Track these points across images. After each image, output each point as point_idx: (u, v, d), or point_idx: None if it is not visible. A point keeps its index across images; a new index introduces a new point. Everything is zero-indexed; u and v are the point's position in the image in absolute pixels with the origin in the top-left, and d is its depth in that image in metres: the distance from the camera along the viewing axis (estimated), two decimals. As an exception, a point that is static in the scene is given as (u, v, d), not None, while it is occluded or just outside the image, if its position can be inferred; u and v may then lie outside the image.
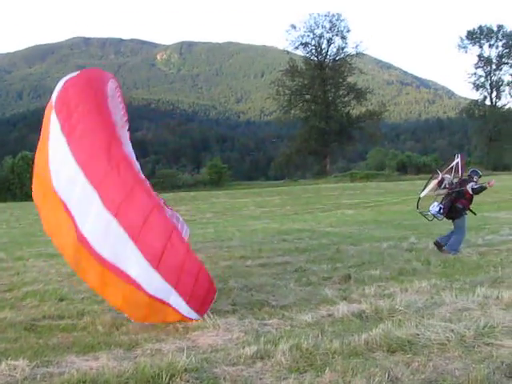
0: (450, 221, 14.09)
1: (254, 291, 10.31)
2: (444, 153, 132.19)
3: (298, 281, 11.18)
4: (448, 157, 16.68)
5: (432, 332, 6.97)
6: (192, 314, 8.08)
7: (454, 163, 14.23)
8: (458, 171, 14.13)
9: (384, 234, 18.42)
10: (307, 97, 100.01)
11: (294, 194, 48.55)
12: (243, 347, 6.79)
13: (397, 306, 8.29)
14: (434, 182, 14.30)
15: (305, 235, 19.61)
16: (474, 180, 13.93)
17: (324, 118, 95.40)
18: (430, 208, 14.02)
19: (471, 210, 14.24)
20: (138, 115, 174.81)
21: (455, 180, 14.05)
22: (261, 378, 5.91)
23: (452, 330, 6.98)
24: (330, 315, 8.27)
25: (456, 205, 13.72)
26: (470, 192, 13.74)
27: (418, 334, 6.94)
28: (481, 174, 14.33)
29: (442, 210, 13.73)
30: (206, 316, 8.23)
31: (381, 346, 6.63)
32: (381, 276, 11.14)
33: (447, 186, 13.94)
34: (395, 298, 8.80)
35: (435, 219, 14.19)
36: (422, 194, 14.60)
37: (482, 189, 13.94)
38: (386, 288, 9.90)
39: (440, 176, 14.18)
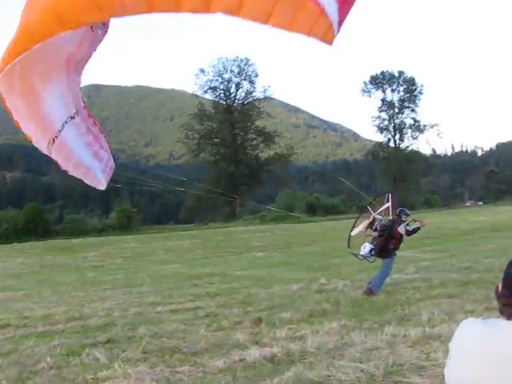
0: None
1: (165, 338, 10.15)
2: (351, 194, 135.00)
3: (209, 326, 11.10)
4: (376, 196, 16.94)
5: (343, 373, 7.05)
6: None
7: (387, 205, 14.45)
8: (389, 212, 14.33)
9: (294, 276, 18.53)
10: (216, 140, 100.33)
11: (205, 238, 48.37)
12: (154, 398, 6.68)
13: (308, 348, 8.33)
14: (365, 222, 14.42)
15: (216, 279, 19.56)
16: (403, 220, 14.19)
17: (233, 162, 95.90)
18: (361, 249, 14.10)
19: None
20: (45, 159, 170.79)
21: (386, 221, 14.22)
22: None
23: (362, 370, 7.07)
24: (241, 360, 8.21)
25: (387, 245, 13.90)
26: (404, 234, 14.00)
27: (329, 376, 7.00)
28: (409, 213, 14.58)
29: (373, 252, 13.87)
30: (116, 365, 8.05)
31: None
32: (292, 318, 11.17)
33: (378, 228, 14.06)
34: (306, 341, 8.84)
35: (365, 260, 14.34)
36: (353, 233, 14.65)
37: (415, 231, 14.29)
38: (297, 330, 9.92)
39: (372, 217, 14.32)
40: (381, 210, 14.47)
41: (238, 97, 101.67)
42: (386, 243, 13.88)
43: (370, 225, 14.24)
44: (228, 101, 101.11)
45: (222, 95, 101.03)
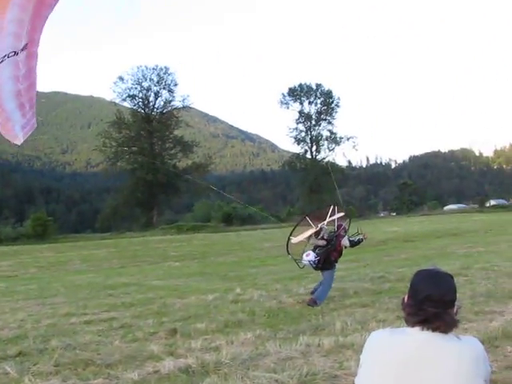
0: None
1: (78, 350, 9.93)
2: (268, 204, 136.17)
3: (123, 337, 10.94)
4: (320, 207, 16.95)
5: (257, 383, 7.08)
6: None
7: (335, 216, 14.42)
8: (335, 223, 14.35)
9: (210, 286, 18.51)
10: (134, 149, 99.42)
11: (121, 247, 47.79)
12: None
13: (223, 359, 8.32)
14: (310, 231, 14.22)
15: (131, 289, 19.34)
16: (342, 233, 14.27)
17: (151, 171, 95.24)
18: (304, 256, 13.94)
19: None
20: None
21: (329, 232, 14.24)
22: None
23: (276, 380, 7.12)
24: (156, 372, 8.13)
25: (330, 257, 13.90)
26: (348, 246, 14.10)
27: (244, 388, 7.02)
28: (347, 227, 14.67)
29: (316, 260, 13.71)
30: (26, 379, 7.85)
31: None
32: (207, 329, 11.13)
33: (325, 237, 13.97)
34: (221, 351, 8.83)
35: (306, 267, 14.29)
36: (296, 240, 14.44)
37: (359, 242, 14.43)
38: (212, 341, 9.90)
39: (319, 226, 14.17)
40: (328, 220, 14.39)
41: (156, 105, 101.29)
42: (329, 255, 13.89)
43: (316, 234, 14.11)
44: (147, 109, 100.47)
45: (140, 103, 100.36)
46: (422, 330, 2.54)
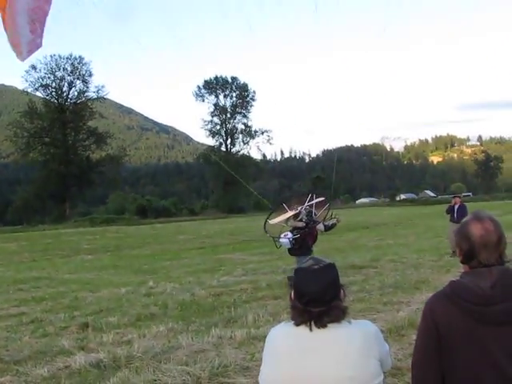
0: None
1: (-15, 347, 9.72)
2: (183, 196, 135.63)
3: (34, 332, 10.76)
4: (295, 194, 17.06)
5: (169, 376, 7.10)
6: None
7: (314, 201, 14.76)
8: (313, 208, 14.58)
9: (123, 280, 18.35)
10: (46, 140, 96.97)
11: (32, 240, 46.61)
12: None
13: (134, 353, 8.29)
14: (289, 213, 14.46)
15: (42, 283, 18.97)
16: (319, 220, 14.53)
17: (64, 162, 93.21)
18: (282, 236, 14.15)
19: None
20: None
21: (305, 216, 14.38)
22: None
23: (188, 373, 7.15)
24: (66, 367, 8.02)
25: (306, 241, 14.11)
26: (323, 230, 14.26)
27: (156, 380, 7.03)
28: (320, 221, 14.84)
29: (293, 241, 13.96)
30: None
31: (118, 396, 6.62)
32: (119, 323, 11.06)
33: (304, 219, 14.18)
34: (133, 345, 8.80)
35: (283, 247, 14.54)
36: (275, 221, 14.74)
37: (332, 226, 14.74)
38: (124, 335, 9.85)
39: (298, 209, 14.43)
40: (307, 204, 14.67)
41: (70, 96, 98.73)
42: (306, 238, 14.13)
43: (296, 216, 14.36)
44: (60, 99, 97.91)
45: (53, 93, 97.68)
46: (311, 329, 2.63)
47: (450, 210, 19.44)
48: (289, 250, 14.46)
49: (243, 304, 12.31)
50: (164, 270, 20.38)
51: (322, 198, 15.34)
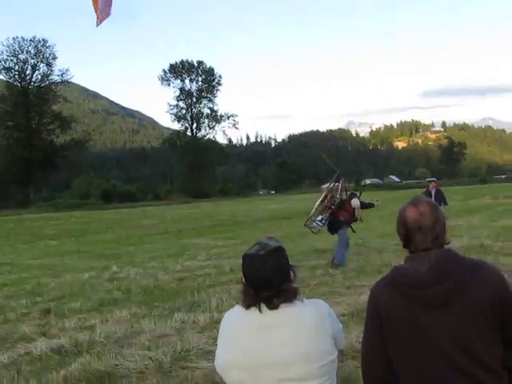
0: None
1: None
2: (148, 181, 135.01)
3: (-7, 319, 10.64)
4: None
5: (131, 361, 7.08)
6: None
7: (340, 183, 15.24)
8: (341, 190, 15.08)
9: (86, 265, 18.22)
10: (10, 124, 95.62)
11: (-5, 225, 46.08)
12: None
13: (96, 338, 8.25)
14: (318, 200, 15.04)
15: (4, 269, 18.76)
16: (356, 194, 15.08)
17: (27, 146, 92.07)
18: (312, 221, 14.82)
19: (351, 228, 15.01)
20: None
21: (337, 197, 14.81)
22: None
23: (150, 358, 7.14)
24: (27, 353, 7.96)
25: (337, 217, 14.42)
26: (357, 205, 14.54)
27: (117, 365, 7.00)
28: (359, 196, 15.21)
29: (323, 220, 14.45)
30: None
31: (80, 381, 6.58)
32: (82, 308, 10.99)
33: (328, 200, 14.76)
34: (95, 330, 8.76)
35: (320, 231, 15.28)
36: (312, 211, 15.16)
37: (370, 205, 15.21)
38: (86, 320, 9.78)
39: (324, 193, 15.05)
40: (333, 185, 15.24)
41: (34, 79, 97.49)
42: (337, 215, 14.44)
43: (323, 200, 14.91)
44: (23, 83, 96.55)
45: (16, 77, 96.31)
46: (260, 311, 2.64)
47: (427, 195, 19.56)
48: (328, 229, 14.94)
49: (207, 288, 12.30)
50: (128, 255, 20.28)
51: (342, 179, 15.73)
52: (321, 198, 15.22)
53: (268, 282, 2.58)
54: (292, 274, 2.71)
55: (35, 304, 11.89)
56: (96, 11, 6.91)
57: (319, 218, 14.89)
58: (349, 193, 15.63)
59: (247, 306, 2.66)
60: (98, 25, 7.02)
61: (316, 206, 15.23)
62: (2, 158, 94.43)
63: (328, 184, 15.76)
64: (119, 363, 7.04)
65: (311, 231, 15.77)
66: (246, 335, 2.64)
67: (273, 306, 2.61)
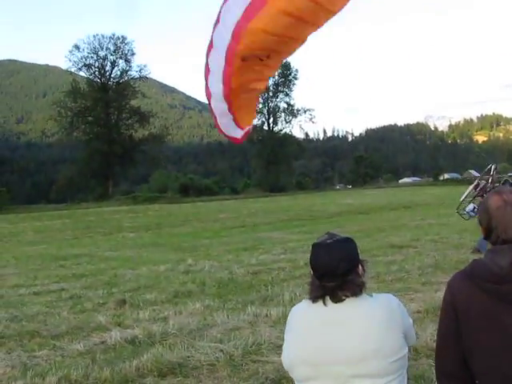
0: None
1: (24, 321, 9.85)
2: (225, 175, 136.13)
3: (72, 308, 10.89)
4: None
5: (202, 353, 7.09)
6: None
7: (492, 172, 15.41)
8: (493, 179, 15.18)
9: (162, 257, 18.46)
10: (90, 119, 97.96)
11: (76, 218, 47.26)
12: (9, 383, 6.49)
13: (169, 330, 8.32)
14: (471, 187, 15.38)
15: (83, 260, 19.21)
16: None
17: (107, 141, 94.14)
18: (466, 208, 14.94)
19: None
20: None
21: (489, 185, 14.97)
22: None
23: (221, 350, 7.13)
24: (102, 342, 8.11)
25: None
26: None
27: (189, 357, 7.02)
28: None
29: (475, 209, 14.29)
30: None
31: (151, 371, 6.63)
32: (156, 300, 11.12)
33: (480, 188, 14.91)
34: (169, 322, 8.83)
35: (471, 219, 14.88)
36: (461, 198, 15.71)
37: None
38: (160, 312, 9.89)
39: (476, 181, 15.41)
40: (485, 176, 15.63)
41: (113, 75, 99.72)
42: None
43: (475, 187, 15.15)
44: (103, 79, 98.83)
45: (96, 73, 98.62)
46: (325, 304, 2.57)
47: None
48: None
49: (281, 282, 12.26)
50: (203, 248, 20.43)
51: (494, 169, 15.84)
52: (471, 187, 15.42)
53: (332, 270, 2.52)
54: (360, 267, 2.63)
55: (111, 295, 12.11)
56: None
57: (471, 206, 14.79)
58: (503, 180, 15.54)
59: (314, 299, 2.60)
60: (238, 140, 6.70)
61: (467, 193, 15.50)
62: (83, 152, 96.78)
63: (482, 175, 16.13)
64: (191, 355, 7.06)
65: (462, 218, 15.75)
66: (313, 331, 2.58)
67: (337, 299, 2.54)
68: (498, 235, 2.45)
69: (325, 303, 2.56)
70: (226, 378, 6.37)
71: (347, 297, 2.54)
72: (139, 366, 6.72)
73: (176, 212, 49.09)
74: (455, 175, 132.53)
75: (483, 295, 2.40)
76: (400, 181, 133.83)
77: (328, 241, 2.62)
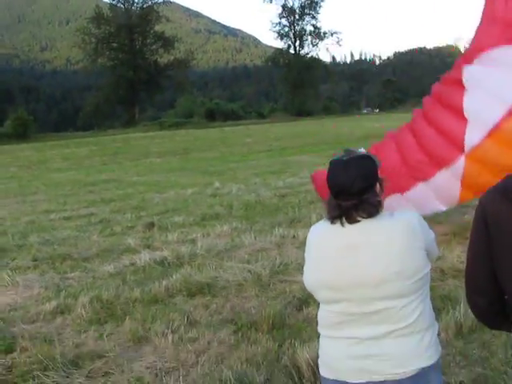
0: None
1: (56, 245, 10.03)
2: (251, 100, 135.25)
3: (101, 232, 11.04)
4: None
5: (230, 274, 7.18)
6: None
7: None
8: None
9: (189, 181, 18.57)
10: (114, 45, 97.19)
11: (103, 145, 47.43)
12: (43, 303, 6.65)
13: (198, 251, 8.42)
14: None
15: (111, 185, 19.39)
16: None
17: (132, 67, 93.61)
18: None
19: None
20: None
21: None
22: (60, 333, 5.81)
23: (249, 271, 7.22)
24: (132, 264, 8.24)
25: None
26: None
27: (217, 277, 7.12)
28: None
29: None
30: (4, 274, 7.95)
31: (181, 291, 6.75)
32: (184, 222, 11.24)
33: None
34: (197, 243, 8.93)
35: None
36: None
37: None
38: (188, 234, 9.99)
39: None
40: None
41: (136, 0, 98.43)
42: None
43: None
44: (126, 4, 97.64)
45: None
46: (343, 225, 2.50)
47: None
48: None
49: (308, 205, 12.26)
50: (231, 172, 20.48)
51: None
52: None
53: (347, 188, 2.43)
54: (378, 186, 2.55)
55: (140, 218, 12.26)
56: None
57: None
58: None
59: (331, 219, 2.53)
60: None
61: None
62: (108, 79, 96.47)
63: None
64: (219, 275, 7.16)
65: None
66: (333, 253, 2.53)
67: (352, 220, 2.47)
68: None
69: (342, 224, 2.50)
70: (254, 297, 6.45)
71: (363, 217, 2.48)
72: (168, 286, 6.83)
73: (203, 137, 49.05)
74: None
75: None
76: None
77: (344, 158, 2.54)
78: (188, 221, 11.38)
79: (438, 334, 2.67)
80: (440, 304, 5.62)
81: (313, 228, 2.71)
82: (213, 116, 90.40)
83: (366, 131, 42.59)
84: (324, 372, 2.67)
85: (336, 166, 2.51)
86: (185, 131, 61.04)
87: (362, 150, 2.62)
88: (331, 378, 2.61)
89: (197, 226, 10.85)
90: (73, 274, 8.01)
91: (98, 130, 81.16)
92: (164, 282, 6.93)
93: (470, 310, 2.71)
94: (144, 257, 8.34)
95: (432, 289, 5.95)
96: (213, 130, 61.44)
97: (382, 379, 2.49)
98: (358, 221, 2.46)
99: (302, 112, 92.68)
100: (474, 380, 4.24)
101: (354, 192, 2.43)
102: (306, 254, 2.70)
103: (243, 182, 16.93)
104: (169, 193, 16.05)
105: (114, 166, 28.98)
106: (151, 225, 11.14)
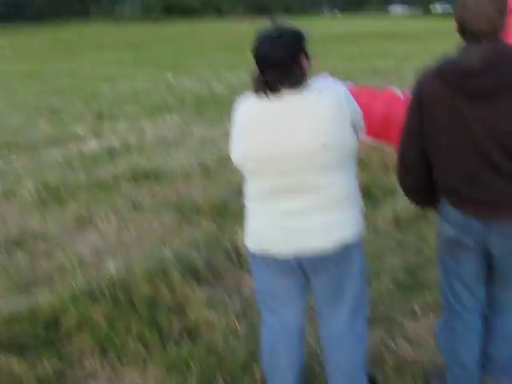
0: None
1: (2, 132, 9.88)
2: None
3: (50, 121, 10.87)
4: None
5: (177, 162, 7.20)
6: None
7: None
8: None
9: (142, 74, 18.20)
10: None
11: (56, 37, 45.98)
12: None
13: (147, 140, 8.39)
14: None
15: (63, 77, 19.01)
16: None
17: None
18: None
19: None
20: None
21: None
22: (4, 217, 5.81)
23: (197, 160, 7.23)
24: (79, 152, 8.18)
25: None
26: None
27: (164, 165, 7.14)
28: None
29: None
30: None
31: (126, 178, 6.75)
32: (134, 113, 11.12)
33: None
34: (145, 133, 8.88)
35: None
36: None
37: None
38: (138, 124, 9.91)
39: None
40: None
41: None
42: None
43: None
44: None
45: None
46: (267, 96, 2.47)
47: None
48: None
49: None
50: (185, 66, 20.16)
51: None
52: None
53: (272, 62, 2.40)
54: (304, 59, 2.51)
55: (90, 109, 12.06)
56: None
57: None
58: None
59: (256, 93, 2.49)
60: None
61: None
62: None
63: None
64: (166, 163, 7.17)
65: None
66: (260, 126, 2.51)
67: (276, 90, 2.44)
68: (473, 31, 2.35)
69: (268, 97, 2.47)
70: (200, 184, 6.48)
71: (286, 88, 2.45)
72: (114, 172, 6.82)
73: (159, 32, 47.99)
74: (448, 7, 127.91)
75: (449, 90, 2.36)
76: (391, 9, 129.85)
77: (271, 31, 2.48)
78: (138, 112, 11.25)
79: (370, 222, 2.71)
80: (381, 196, 5.74)
81: (239, 105, 2.67)
82: (170, 11, 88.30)
83: (326, 34, 42.07)
84: (250, 243, 2.71)
85: (262, 39, 2.46)
86: (141, 26, 59.67)
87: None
88: (257, 248, 2.66)
89: (147, 116, 10.74)
90: (19, 161, 7.92)
91: (51, 22, 78.68)
92: (110, 168, 6.92)
93: (409, 202, 2.83)
94: (92, 145, 8.28)
95: (373, 180, 6.10)
96: (170, 26, 60.19)
97: (308, 253, 2.55)
98: (282, 92, 2.43)
99: (261, 9, 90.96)
100: (407, 266, 4.40)
101: (277, 63, 2.39)
102: (233, 130, 2.67)
103: (197, 76, 16.71)
104: (121, 85, 15.77)
105: (67, 58, 28.22)
106: (101, 114, 11.00)
